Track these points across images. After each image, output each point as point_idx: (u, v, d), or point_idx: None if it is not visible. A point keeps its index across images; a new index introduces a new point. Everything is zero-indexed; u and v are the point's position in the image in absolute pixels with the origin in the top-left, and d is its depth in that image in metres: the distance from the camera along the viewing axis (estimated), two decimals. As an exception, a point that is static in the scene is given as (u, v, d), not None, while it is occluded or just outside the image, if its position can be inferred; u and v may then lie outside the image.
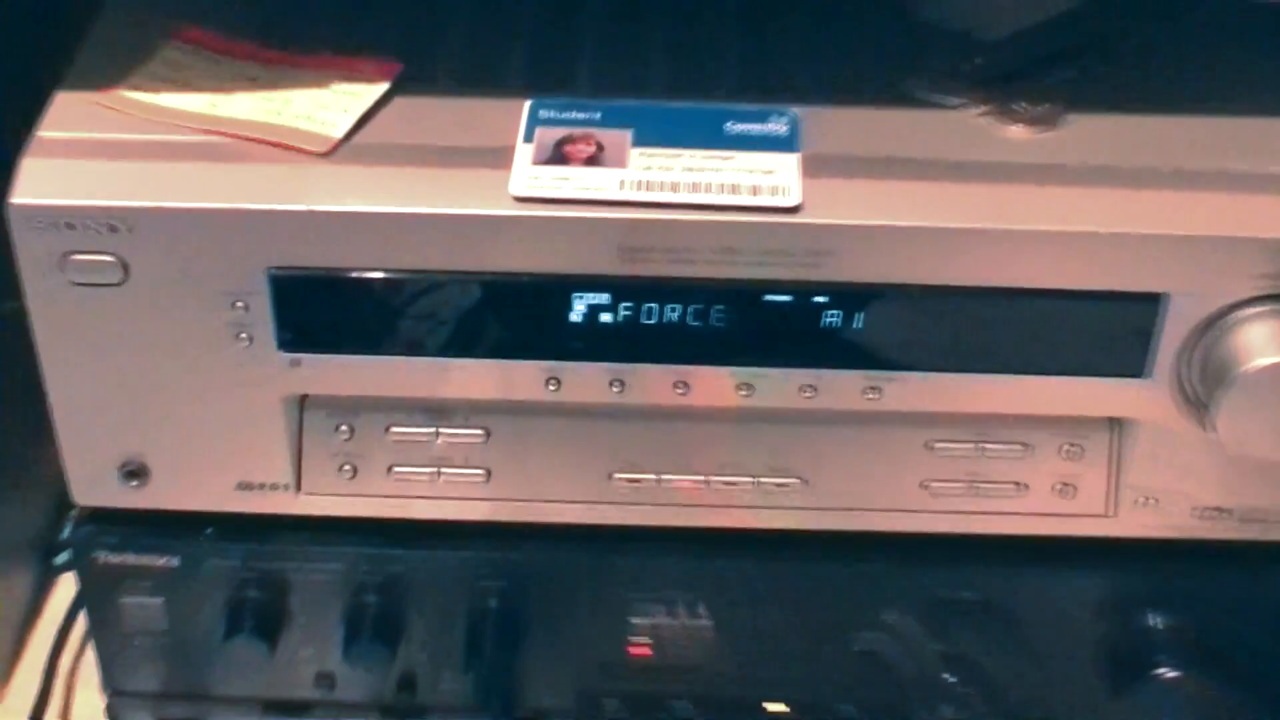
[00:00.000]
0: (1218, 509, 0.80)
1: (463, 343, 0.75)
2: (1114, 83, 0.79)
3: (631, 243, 0.72)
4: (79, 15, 0.81)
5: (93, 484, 0.79)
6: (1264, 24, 0.82)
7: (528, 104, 0.75)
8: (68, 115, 0.75)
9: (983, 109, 0.77)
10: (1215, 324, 0.74)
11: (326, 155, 0.73)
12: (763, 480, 0.79)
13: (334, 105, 0.75)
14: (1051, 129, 0.76)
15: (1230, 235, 0.72)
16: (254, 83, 0.77)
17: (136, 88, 0.76)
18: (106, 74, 0.77)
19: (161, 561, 0.82)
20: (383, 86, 0.76)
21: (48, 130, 0.74)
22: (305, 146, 0.73)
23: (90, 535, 0.81)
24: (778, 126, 0.75)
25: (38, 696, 0.92)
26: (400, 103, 0.76)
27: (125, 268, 0.73)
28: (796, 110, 0.76)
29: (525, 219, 0.71)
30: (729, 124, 0.75)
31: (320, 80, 0.76)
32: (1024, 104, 0.76)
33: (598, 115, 0.75)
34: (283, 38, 0.80)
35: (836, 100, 0.77)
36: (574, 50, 0.81)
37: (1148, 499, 0.79)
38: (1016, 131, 0.76)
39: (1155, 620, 0.82)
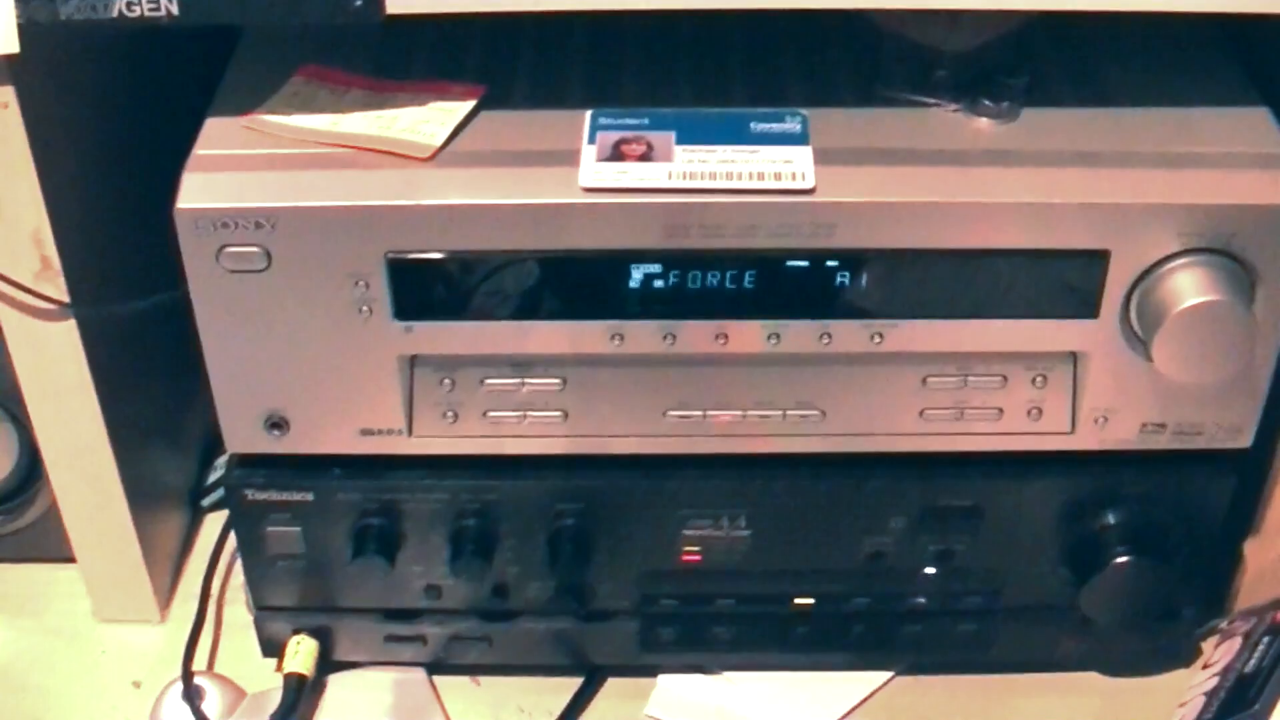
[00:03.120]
0: (1158, 425, 0.86)
1: (541, 308, 0.82)
2: (1061, 84, 0.86)
3: (677, 222, 0.79)
4: (219, 56, 0.89)
5: (242, 435, 0.86)
6: (1183, 32, 0.89)
7: (589, 114, 0.82)
8: (217, 135, 0.82)
9: (954, 107, 0.84)
10: (1150, 274, 0.81)
11: (429, 160, 0.80)
12: (789, 413, 0.86)
13: (432, 120, 0.82)
14: (1012, 122, 0.83)
15: (1159, 203, 0.79)
16: (366, 105, 0.83)
17: (272, 111, 0.83)
18: (246, 102, 0.84)
19: (298, 496, 0.88)
20: (471, 103, 0.83)
21: (202, 148, 0.81)
22: (411, 154, 0.80)
23: (241, 477, 0.88)
24: (792, 125, 0.82)
25: (196, 614, 0.99)
26: (485, 117, 0.83)
27: (269, 256, 0.80)
28: (803, 112, 0.83)
29: (592, 206, 0.79)
30: (753, 124, 0.82)
31: (419, 100, 0.83)
32: (988, 102, 0.84)
33: (646, 121, 0.82)
34: (386, 71, 0.86)
35: (832, 104, 0.84)
36: (619, 71, 0.87)
37: (1100, 418, 0.86)
38: (983, 125, 0.83)
39: (1109, 516, 0.89)
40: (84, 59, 0.88)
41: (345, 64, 0.87)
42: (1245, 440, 0.88)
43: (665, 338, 0.83)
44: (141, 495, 0.96)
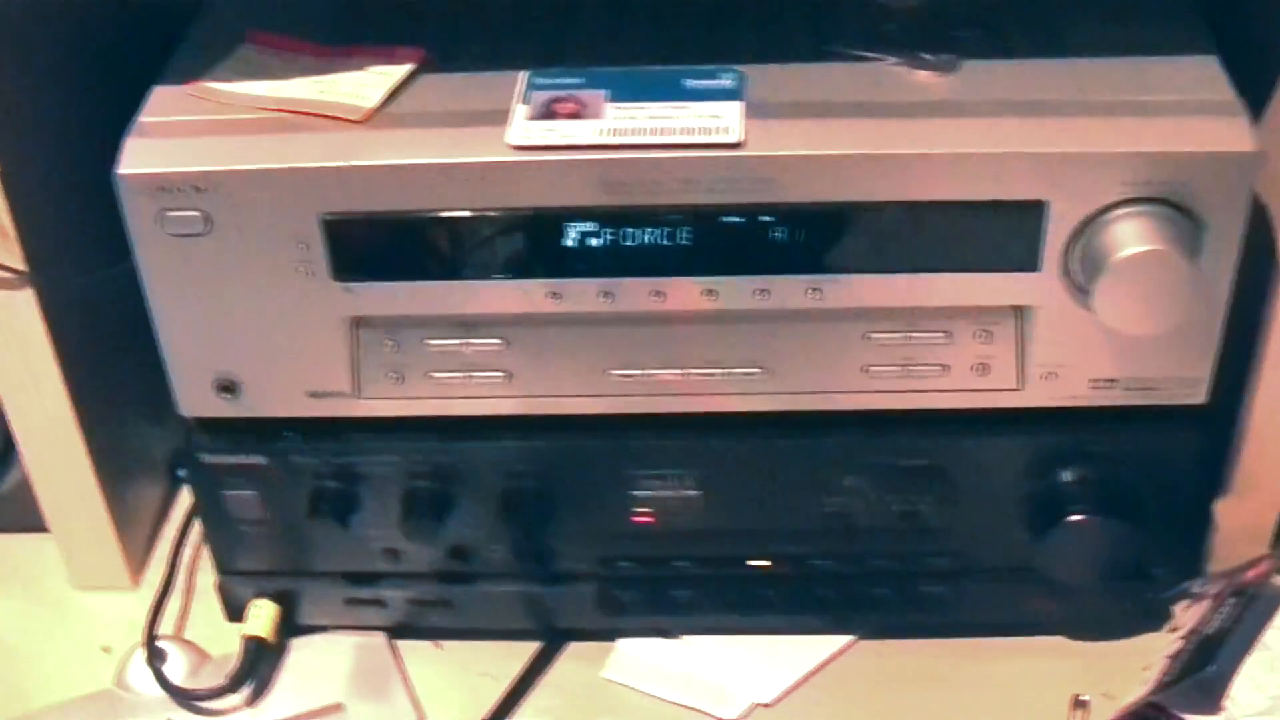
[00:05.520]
0: (1108, 380, 0.85)
1: (479, 267, 0.82)
2: (1013, 36, 0.85)
3: (610, 178, 0.79)
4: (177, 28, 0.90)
5: (194, 399, 0.87)
6: None
7: (524, 74, 0.83)
8: (163, 103, 0.83)
9: (895, 61, 0.84)
10: (1090, 224, 0.79)
11: (363, 122, 0.81)
12: (732, 371, 0.85)
13: (370, 83, 0.83)
14: (952, 74, 0.83)
15: (1097, 151, 0.78)
16: (308, 71, 0.84)
17: (217, 79, 0.84)
18: (196, 70, 0.85)
19: (253, 460, 0.89)
20: (409, 67, 0.84)
21: (146, 116, 0.82)
22: (345, 116, 0.81)
23: (197, 442, 0.89)
24: (726, 82, 0.82)
25: (164, 580, 1.00)
26: (426, 80, 0.83)
27: (209, 220, 0.80)
28: (743, 69, 0.82)
29: (521, 164, 0.79)
30: (687, 81, 0.82)
31: (360, 65, 0.84)
32: (927, 55, 0.84)
33: (581, 80, 0.82)
34: (336, 37, 0.87)
35: (776, 59, 0.84)
36: (567, 33, 0.87)
37: (1049, 374, 0.85)
38: (924, 77, 0.82)
39: (1064, 474, 0.88)
40: (40, 26, 0.89)
41: (300, 32, 0.88)
42: (1200, 396, 0.86)
43: (603, 296, 0.83)
44: (113, 464, 0.97)
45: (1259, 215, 0.85)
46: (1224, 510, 0.94)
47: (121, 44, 0.95)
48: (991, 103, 0.81)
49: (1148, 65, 0.83)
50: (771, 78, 0.83)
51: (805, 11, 0.88)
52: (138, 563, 1.02)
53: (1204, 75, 0.82)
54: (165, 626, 0.98)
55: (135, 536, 1.02)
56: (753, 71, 0.83)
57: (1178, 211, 0.79)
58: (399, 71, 0.84)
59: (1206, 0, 0.87)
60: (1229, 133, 0.79)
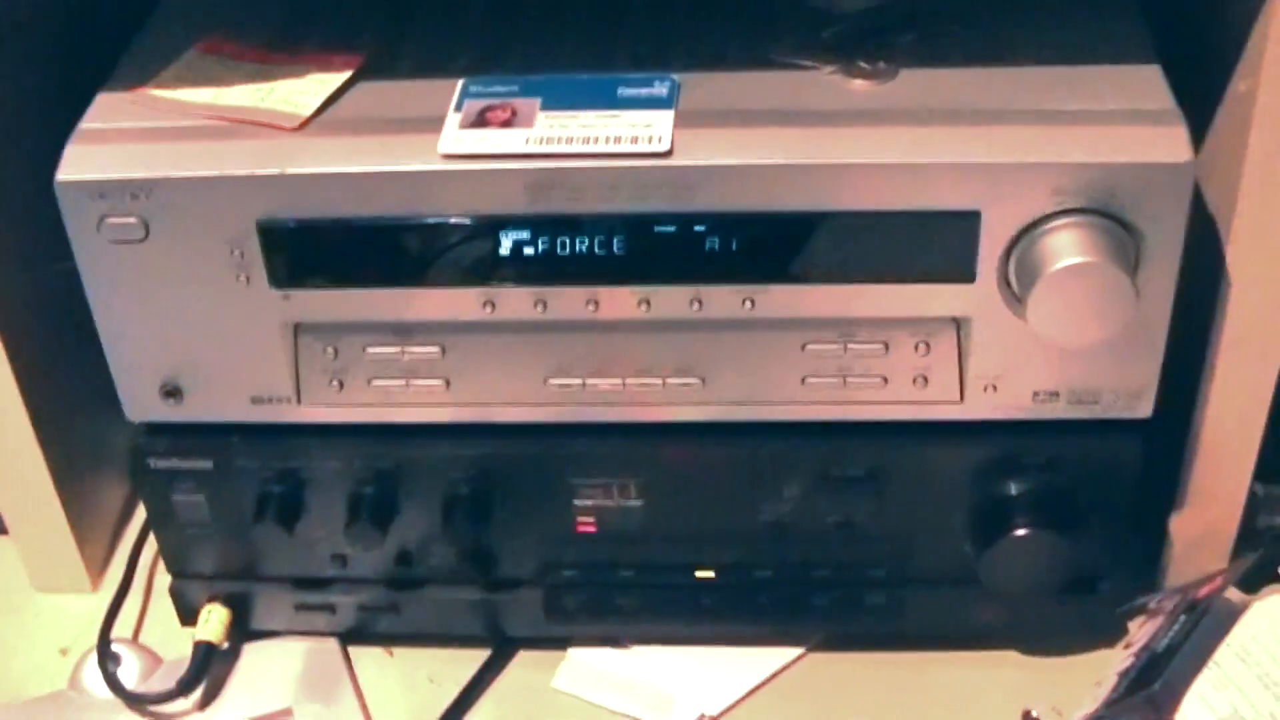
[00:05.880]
0: (1050, 392, 0.84)
1: (414, 274, 0.82)
2: (942, 46, 0.84)
3: (537, 186, 0.79)
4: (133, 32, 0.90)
5: (140, 403, 0.87)
6: None
7: (461, 82, 0.83)
8: (106, 110, 0.83)
9: (830, 69, 0.83)
10: (1026, 234, 0.78)
11: (297, 130, 0.81)
12: (669, 380, 0.85)
13: (307, 90, 0.83)
14: (888, 82, 0.82)
15: (1030, 161, 0.77)
16: (249, 77, 0.85)
17: (160, 86, 0.85)
18: (141, 75, 0.85)
19: (199, 464, 0.89)
20: (347, 73, 0.84)
21: (88, 122, 0.83)
22: (280, 124, 0.81)
23: (143, 445, 0.89)
24: (659, 89, 0.81)
25: (120, 582, 1.00)
26: (364, 86, 0.84)
27: (147, 226, 0.81)
28: (678, 76, 0.82)
29: (451, 172, 0.79)
30: (620, 89, 0.82)
31: (299, 71, 0.84)
32: (863, 63, 0.83)
33: (516, 88, 0.82)
34: (282, 39, 0.88)
35: (713, 67, 0.83)
36: (509, 40, 0.87)
37: (989, 385, 0.84)
38: (859, 85, 0.82)
39: (1007, 487, 0.87)
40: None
41: (247, 35, 0.88)
42: (1145, 409, 0.85)
43: (537, 304, 0.83)
44: (70, 465, 0.98)
45: (1205, 224, 0.84)
46: (1178, 524, 0.93)
47: (77, 47, 0.96)
48: (925, 111, 0.80)
49: (1088, 73, 0.82)
50: (707, 85, 0.82)
51: (745, 18, 0.88)
52: (99, 564, 1.03)
53: (1144, 83, 0.81)
54: (123, 628, 0.98)
55: (95, 537, 1.03)
56: (689, 79, 0.83)
57: (1114, 223, 0.78)
58: (337, 78, 0.84)
59: (1151, 6, 0.86)
60: (1166, 143, 0.78)
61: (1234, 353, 0.86)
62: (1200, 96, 0.83)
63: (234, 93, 0.84)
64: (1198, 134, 0.80)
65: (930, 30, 0.85)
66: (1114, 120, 0.79)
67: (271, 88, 0.84)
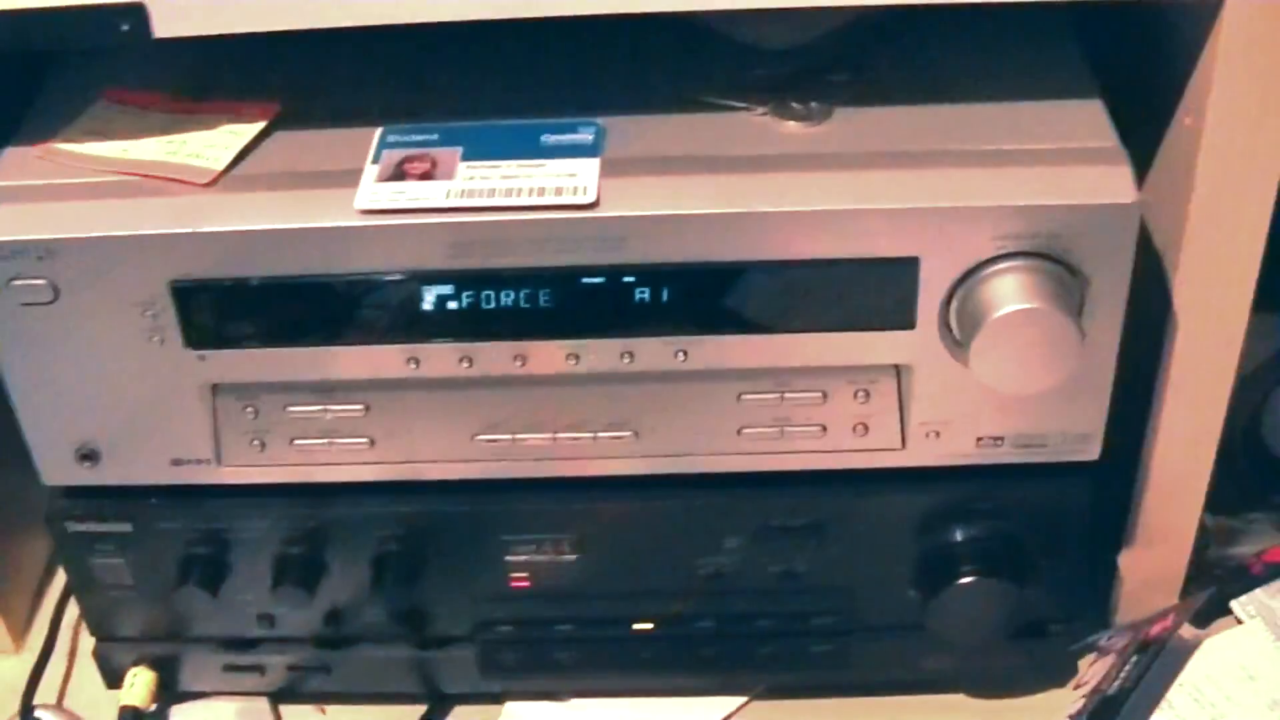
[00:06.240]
0: (995, 438, 0.82)
1: (334, 333, 0.79)
2: (876, 84, 0.81)
3: (458, 241, 0.76)
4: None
5: (56, 466, 0.84)
6: (997, 23, 0.83)
7: (379, 131, 0.80)
8: (12, 167, 0.80)
9: (762, 110, 0.80)
10: (966, 280, 0.76)
11: (209, 185, 0.78)
12: (600, 435, 0.82)
13: (220, 143, 0.80)
14: (822, 124, 0.79)
15: (967, 205, 0.75)
16: (160, 129, 0.81)
17: (68, 140, 0.81)
18: (49, 129, 0.82)
19: (118, 528, 0.86)
20: (261, 124, 0.81)
21: (-5, 180, 0.80)
22: (191, 179, 0.78)
23: (60, 508, 0.86)
24: (584, 136, 0.79)
25: (44, 645, 0.97)
26: (279, 137, 0.81)
27: (55, 289, 0.78)
28: (603, 121, 0.79)
29: (368, 228, 0.76)
30: (544, 136, 0.79)
31: (211, 123, 0.81)
32: (795, 104, 0.80)
33: (435, 137, 0.79)
34: (192, 88, 0.84)
35: (641, 109, 0.80)
36: (427, 84, 0.84)
37: (932, 432, 0.81)
38: (791, 128, 0.79)
39: (952, 534, 0.85)
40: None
41: (156, 83, 0.85)
42: (1093, 452, 0.83)
43: (462, 360, 0.80)
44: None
45: (1149, 258, 0.82)
46: (1128, 562, 0.91)
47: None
48: (859, 154, 0.78)
49: (1028, 110, 0.80)
50: (633, 130, 0.80)
51: (670, 55, 0.85)
52: (20, 625, 1.00)
53: (1086, 120, 0.79)
54: (47, 693, 0.95)
55: (16, 596, 1.00)
56: (614, 123, 0.80)
57: (1058, 265, 0.76)
58: (250, 130, 0.81)
59: (1092, 41, 0.83)
60: (1111, 183, 0.76)
61: (1182, 390, 0.84)
62: (1140, 128, 0.80)
63: (144, 146, 0.81)
64: (1139, 165, 0.77)
65: (864, 67, 0.82)
66: (1056, 160, 0.77)
67: (183, 140, 0.81)
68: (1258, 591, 0.94)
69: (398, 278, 0.78)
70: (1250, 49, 0.73)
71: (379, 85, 0.85)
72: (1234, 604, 0.94)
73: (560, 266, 0.77)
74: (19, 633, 1.00)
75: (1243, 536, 0.96)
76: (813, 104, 0.80)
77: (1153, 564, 0.91)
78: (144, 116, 0.83)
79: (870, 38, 0.84)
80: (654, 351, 0.79)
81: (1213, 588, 0.91)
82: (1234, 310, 0.81)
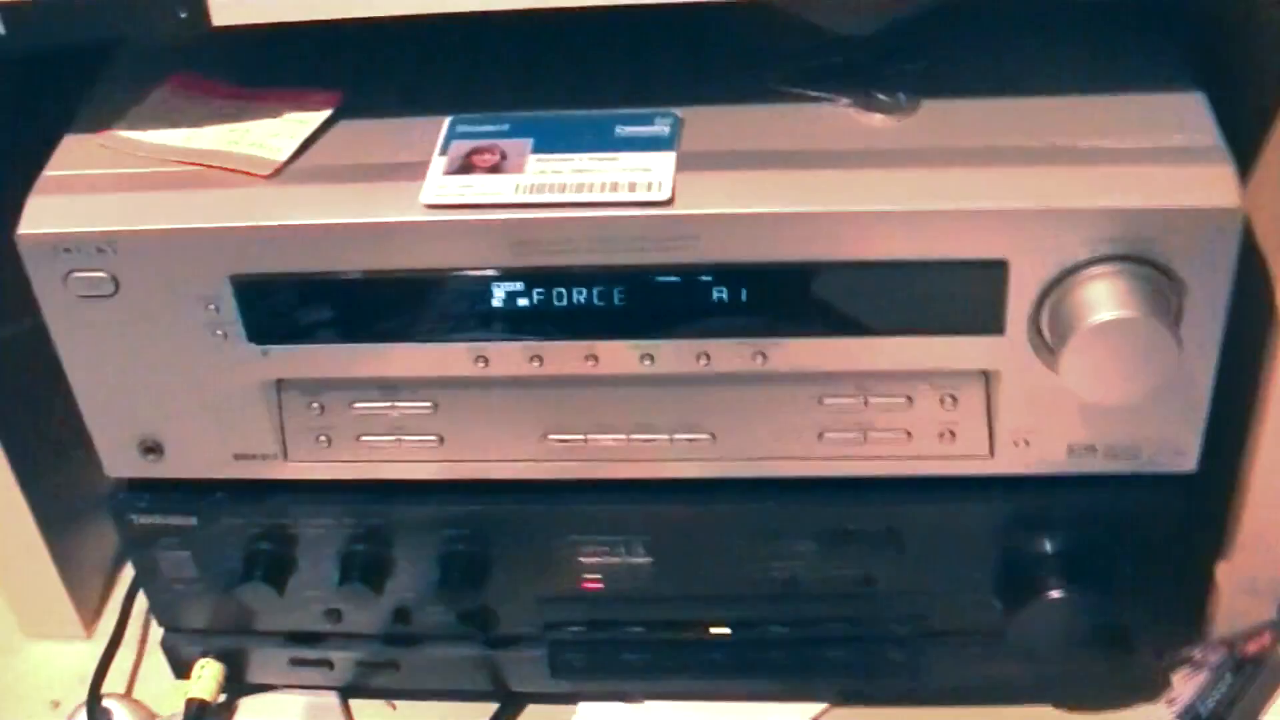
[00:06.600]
0: (1086, 447, 0.78)
1: (399, 329, 0.77)
2: (955, 74, 0.77)
3: (525, 239, 0.73)
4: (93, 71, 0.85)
5: (119, 460, 0.83)
6: (1079, 9, 0.80)
7: (447, 120, 0.77)
8: (72, 155, 0.78)
9: (846, 101, 0.77)
10: (1059, 285, 0.72)
11: (272, 177, 0.75)
12: (676, 436, 0.79)
13: (283, 132, 0.77)
14: (908, 116, 0.76)
15: (1059, 207, 0.71)
16: (223, 117, 0.79)
17: (130, 127, 0.79)
18: (109, 116, 0.80)
19: (183, 521, 0.85)
20: (325, 113, 0.78)
21: (53, 169, 0.77)
22: (253, 170, 0.76)
23: (125, 501, 0.85)
24: (660, 128, 0.75)
25: (113, 634, 0.96)
26: (343, 126, 0.78)
27: (116, 282, 0.76)
28: (679, 112, 0.76)
29: (433, 224, 0.73)
30: (618, 128, 0.75)
31: (274, 111, 0.79)
32: (882, 95, 0.76)
33: (506, 127, 0.76)
34: (256, 76, 0.82)
35: (715, 101, 0.77)
36: (493, 72, 0.81)
37: (1021, 440, 0.78)
38: (877, 121, 0.75)
39: (1039, 545, 0.81)
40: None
41: (219, 70, 0.82)
42: (1189, 463, 0.79)
43: (531, 359, 0.77)
44: (56, 511, 0.94)
45: (1250, 261, 0.77)
46: (1226, 572, 0.87)
47: (40, 86, 0.90)
48: (946, 150, 0.74)
49: (1122, 104, 0.75)
50: (710, 121, 0.76)
51: (749, 43, 0.81)
52: (91, 611, 0.99)
53: (1185, 115, 0.74)
54: (117, 681, 0.94)
55: (87, 584, 0.99)
56: (690, 114, 0.76)
57: (1155, 270, 0.72)
58: (315, 118, 0.78)
59: (1192, 27, 0.78)
60: (1212, 184, 0.71)
61: (1287, 397, 0.79)
62: (1241, 124, 0.75)
63: (206, 135, 0.78)
64: (1240, 162, 0.72)
65: (941, 56, 0.78)
66: (1153, 159, 0.72)
67: (246, 128, 0.78)
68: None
69: (465, 274, 0.75)
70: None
71: (445, 73, 0.82)
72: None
73: (633, 265, 0.74)
74: (90, 617, 0.99)
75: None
76: (900, 95, 0.76)
77: (1251, 571, 0.86)
78: (207, 104, 0.81)
79: (947, 23, 0.80)
80: (732, 353, 0.76)
81: (1315, 603, 0.87)
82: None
